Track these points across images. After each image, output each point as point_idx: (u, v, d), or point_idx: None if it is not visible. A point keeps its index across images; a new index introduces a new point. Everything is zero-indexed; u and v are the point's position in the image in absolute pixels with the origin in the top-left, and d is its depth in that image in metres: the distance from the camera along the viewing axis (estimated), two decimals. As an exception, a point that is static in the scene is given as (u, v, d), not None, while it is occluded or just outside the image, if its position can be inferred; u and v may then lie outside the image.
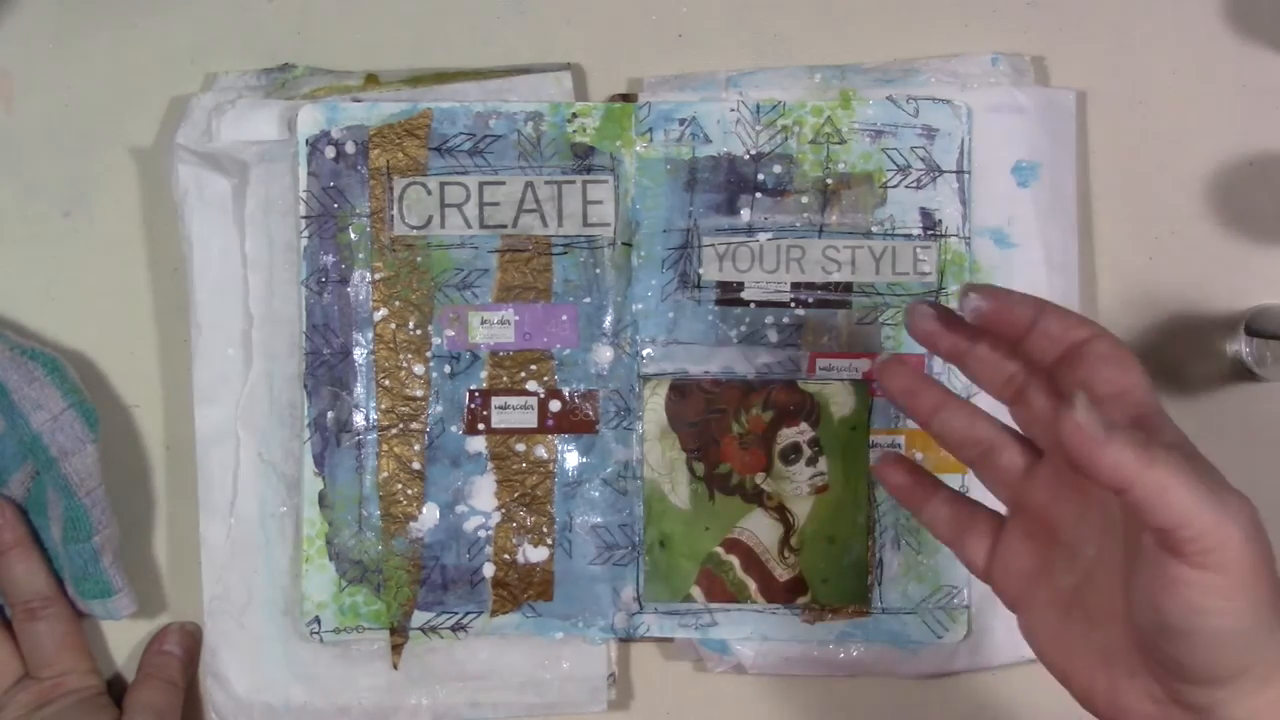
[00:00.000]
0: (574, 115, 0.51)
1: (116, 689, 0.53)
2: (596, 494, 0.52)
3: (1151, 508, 0.31)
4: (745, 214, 0.52)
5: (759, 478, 0.52)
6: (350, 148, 0.51)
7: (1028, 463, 0.38)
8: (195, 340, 0.52)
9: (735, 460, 0.52)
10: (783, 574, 0.52)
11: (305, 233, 0.51)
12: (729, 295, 0.52)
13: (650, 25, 0.54)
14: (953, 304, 0.51)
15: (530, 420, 0.52)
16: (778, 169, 0.52)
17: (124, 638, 0.53)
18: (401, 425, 0.51)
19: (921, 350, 0.51)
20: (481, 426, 0.52)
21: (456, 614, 0.51)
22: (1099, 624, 0.36)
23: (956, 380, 0.50)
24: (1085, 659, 0.36)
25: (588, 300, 0.52)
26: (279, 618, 0.52)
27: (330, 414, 0.51)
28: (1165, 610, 0.32)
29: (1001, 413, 0.39)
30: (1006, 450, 0.39)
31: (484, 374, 0.52)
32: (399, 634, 0.51)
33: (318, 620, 0.51)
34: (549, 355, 0.52)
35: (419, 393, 0.52)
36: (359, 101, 0.52)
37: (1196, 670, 0.33)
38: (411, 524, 0.51)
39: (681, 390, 0.52)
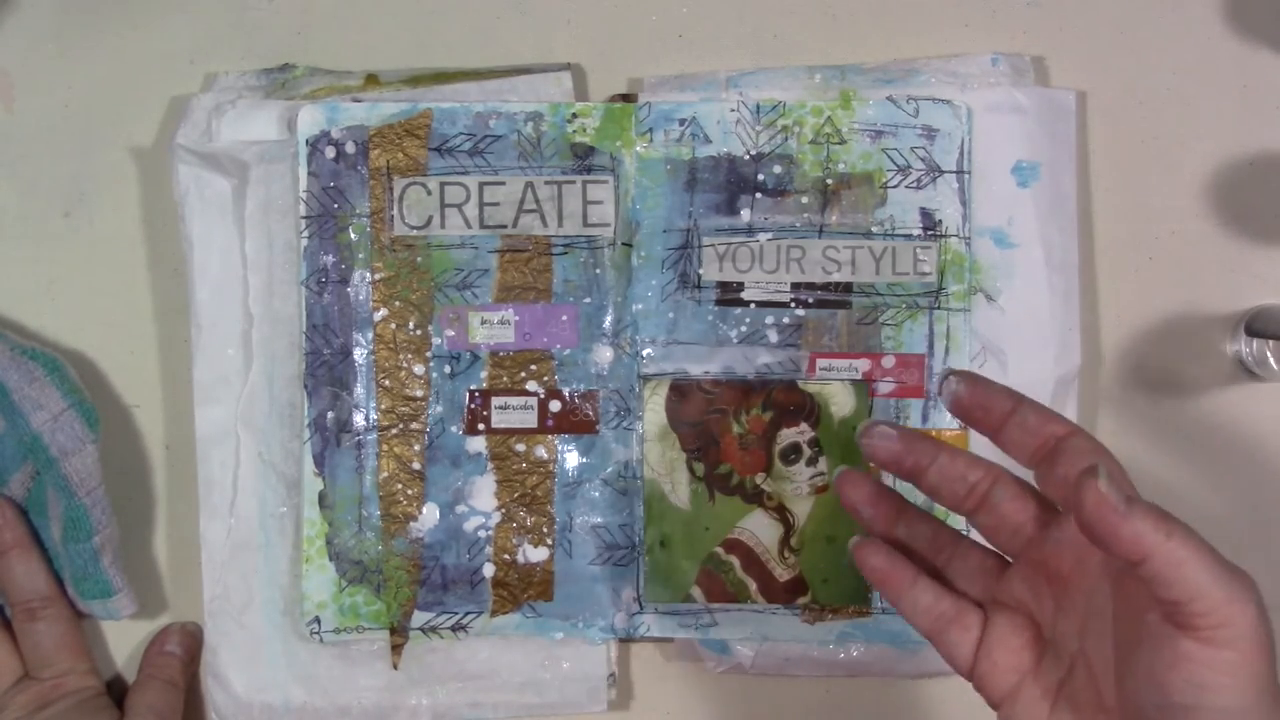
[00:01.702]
0: (574, 115, 0.51)
1: (116, 689, 0.53)
2: (596, 494, 0.52)
3: (1167, 580, 0.31)
4: (745, 214, 0.52)
5: (759, 478, 0.52)
6: (350, 148, 0.51)
7: (997, 565, 0.39)
8: (195, 340, 0.52)
9: (735, 460, 0.52)
10: (783, 574, 0.52)
11: (305, 233, 0.51)
12: (729, 295, 0.52)
13: (650, 25, 0.54)
14: (953, 304, 0.51)
15: (530, 420, 0.52)
16: (778, 169, 0.51)
17: (124, 638, 0.53)
18: (401, 425, 0.51)
19: (921, 351, 0.51)
20: (481, 426, 0.52)
21: (456, 614, 0.51)
22: (1085, 715, 0.35)
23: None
24: None
25: (588, 300, 0.52)
26: (279, 618, 0.52)
27: (330, 414, 0.51)
28: (1170, 687, 0.32)
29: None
30: (974, 553, 0.39)
31: (484, 374, 0.52)
32: (399, 634, 0.51)
33: (318, 620, 0.51)
34: (549, 355, 0.52)
35: (419, 393, 0.52)
36: (359, 101, 0.52)
37: None
38: (411, 524, 0.51)
39: (681, 390, 0.52)
